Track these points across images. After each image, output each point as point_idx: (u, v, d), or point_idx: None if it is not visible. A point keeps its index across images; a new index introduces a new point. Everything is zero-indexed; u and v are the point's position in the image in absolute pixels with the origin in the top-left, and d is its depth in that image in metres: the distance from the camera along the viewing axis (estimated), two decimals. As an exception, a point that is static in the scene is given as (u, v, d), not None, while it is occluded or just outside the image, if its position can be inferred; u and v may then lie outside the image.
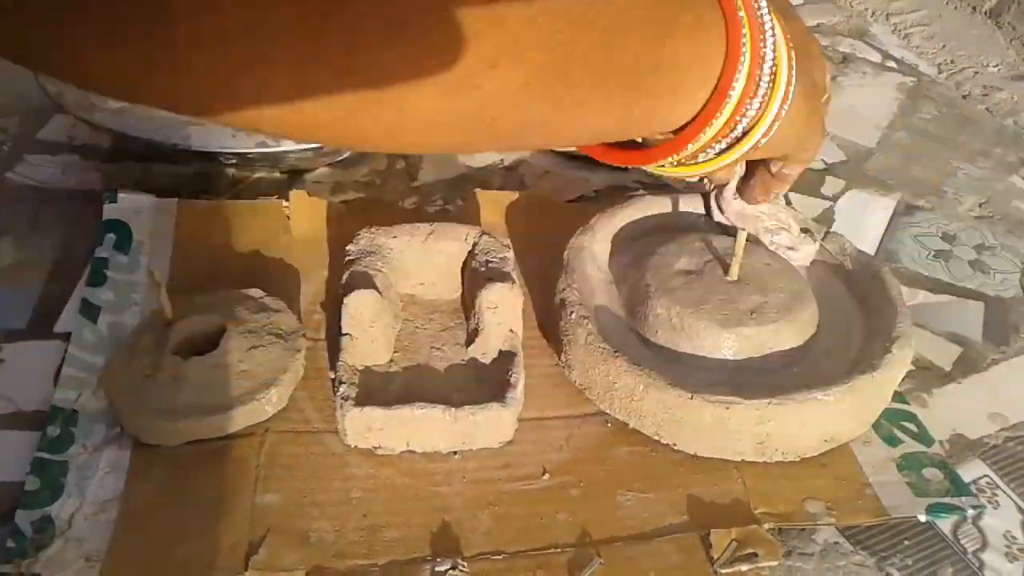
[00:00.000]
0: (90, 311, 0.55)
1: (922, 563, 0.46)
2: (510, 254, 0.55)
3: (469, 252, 0.56)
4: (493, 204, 0.66)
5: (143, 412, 0.48)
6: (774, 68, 0.37)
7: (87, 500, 0.45)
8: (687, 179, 0.48)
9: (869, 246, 0.65)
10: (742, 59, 0.35)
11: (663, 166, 0.40)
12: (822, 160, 0.74)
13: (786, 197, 0.68)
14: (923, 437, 0.51)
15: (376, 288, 0.51)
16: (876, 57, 0.90)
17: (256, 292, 0.55)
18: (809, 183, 0.72)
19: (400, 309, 0.56)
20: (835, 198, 0.71)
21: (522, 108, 0.30)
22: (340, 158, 0.69)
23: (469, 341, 0.54)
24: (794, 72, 0.38)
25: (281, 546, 0.44)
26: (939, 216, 0.69)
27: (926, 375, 0.56)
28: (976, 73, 0.90)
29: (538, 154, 0.73)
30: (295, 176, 0.68)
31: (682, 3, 0.34)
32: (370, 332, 0.52)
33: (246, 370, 0.50)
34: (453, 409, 0.48)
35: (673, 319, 0.52)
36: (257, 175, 0.68)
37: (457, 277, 0.58)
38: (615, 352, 0.50)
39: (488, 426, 0.49)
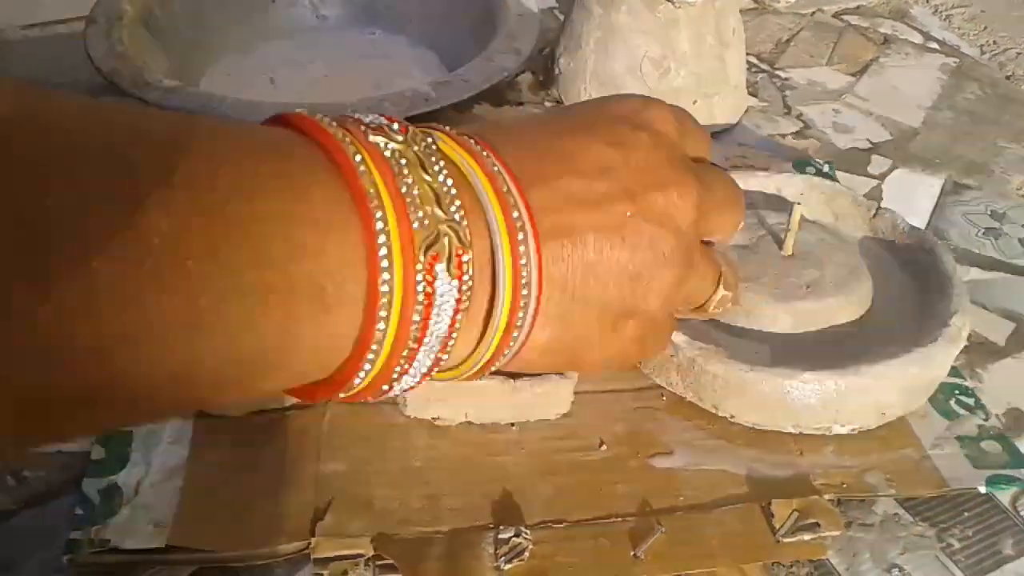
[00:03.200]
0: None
1: (982, 534, 0.46)
2: None
3: None
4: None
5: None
6: (464, 290, 0.27)
7: (153, 468, 0.46)
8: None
9: (918, 224, 0.64)
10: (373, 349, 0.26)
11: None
12: (867, 139, 0.74)
13: (833, 176, 0.68)
14: (980, 410, 0.51)
15: None
16: (917, 39, 0.89)
17: None
18: (855, 162, 0.71)
19: None
20: (882, 177, 0.70)
21: None
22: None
23: None
24: (519, 275, 0.28)
25: (346, 513, 0.44)
26: (987, 194, 0.69)
27: (980, 350, 0.56)
28: (1019, 54, 0.89)
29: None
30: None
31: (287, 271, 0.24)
32: None
33: None
34: (513, 381, 0.48)
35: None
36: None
37: None
38: (672, 325, 0.50)
39: (547, 398, 0.49)
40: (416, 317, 0.25)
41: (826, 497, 0.46)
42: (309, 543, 0.43)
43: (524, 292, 0.28)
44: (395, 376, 0.27)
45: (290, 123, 0.26)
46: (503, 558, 0.42)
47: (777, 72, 0.82)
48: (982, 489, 0.47)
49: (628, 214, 0.30)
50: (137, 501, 0.44)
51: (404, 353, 0.26)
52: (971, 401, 0.52)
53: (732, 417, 0.49)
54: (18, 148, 0.19)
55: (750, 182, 0.62)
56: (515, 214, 0.27)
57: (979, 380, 0.54)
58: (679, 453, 0.48)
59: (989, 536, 0.46)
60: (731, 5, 0.71)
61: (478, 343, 0.29)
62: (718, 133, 0.73)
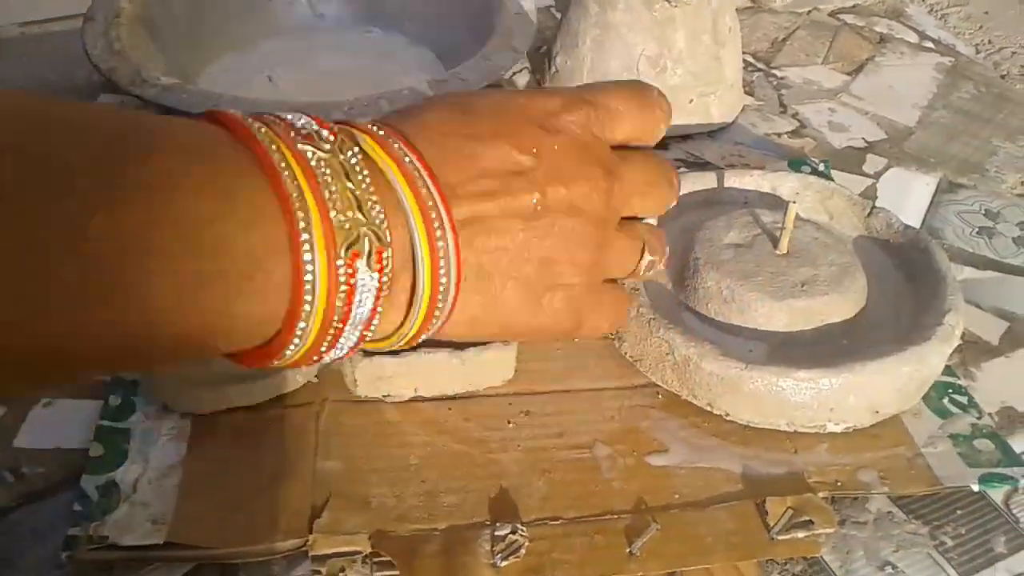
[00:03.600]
0: (146, 284, 0.55)
1: (975, 532, 0.46)
2: None
3: None
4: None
5: (175, 380, 0.48)
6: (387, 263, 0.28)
7: (150, 466, 0.46)
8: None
9: (913, 223, 0.65)
10: (306, 277, 0.27)
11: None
12: (862, 138, 0.74)
13: (828, 175, 0.68)
14: (973, 409, 0.52)
15: None
16: (913, 38, 0.89)
17: None
18: (850, 160, 0.72)
19: None
20: (877, 176, 0.71)
21: None
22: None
23: None
24: (435, 251, 0.30)
25: (343, 510, 0.44)
26: (981, 194, 0.69)
27: (974, 349, 0.56)
28: (1014, 53, 0.89)
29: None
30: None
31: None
32: None
33: None
34: (459, 351, 0.49)
35: (724, 291, 0.52)
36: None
37: None
38: (668, 324, 0.50)
39: (492, 365, 0.50)
40: (339, 303, 0.28)
41: (820, 495, 0.46)
42: (307, 540, 0.43)
43: (443, 280, 0.30)
44: (323, 349, 0.29)
45: (224, 123, 0.28)
46: (499, 555, 0.43)
47: (773, 71, 0.83)
48: (975, 487, 0.48)
49: (536, 205, 0.33)
50: (135, 498, 0.45)
51: (330, 332, 0.28)
52: (964, 400, 0.52)
53: (727, 415, 0.50)
54: None
55: (745, 180, 0.62)
56: (432, 212, 0.30)
57: (972, 379, 0.55)
58: (674, 450, 0.49)
59: (982, 534, 0.46)
60: (727, 4, 0.72)
61: (402, 322, 0.31)
62: (714, 131, 0.73)
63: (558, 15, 0.85)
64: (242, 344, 0.29)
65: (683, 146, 0.72)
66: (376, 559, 0.43)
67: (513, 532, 0.43)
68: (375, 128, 0.31)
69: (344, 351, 0.30)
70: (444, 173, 0.31)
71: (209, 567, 0.43)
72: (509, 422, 0.50)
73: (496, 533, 0.44)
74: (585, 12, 0.71)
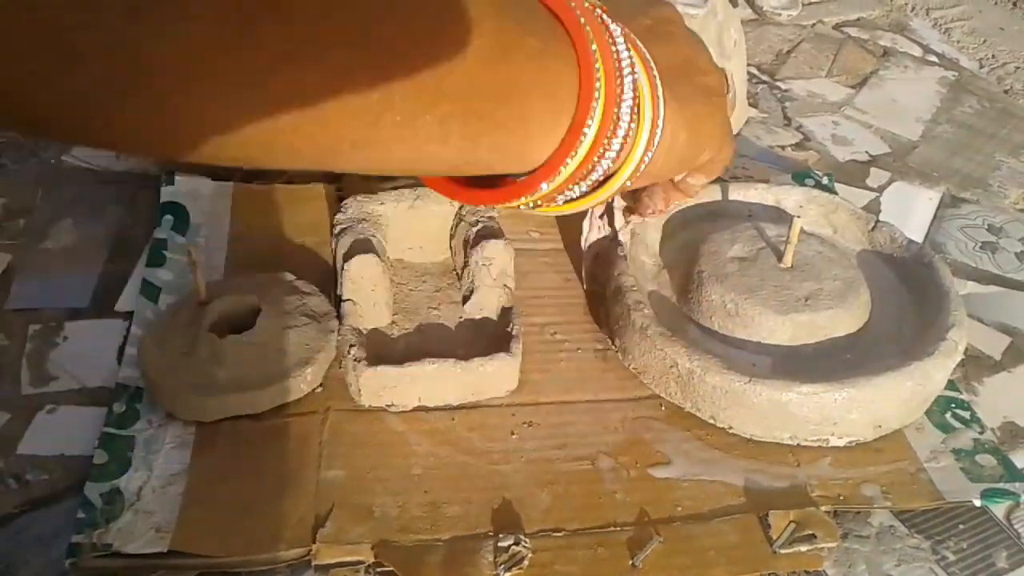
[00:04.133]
0: (151, 291, 0.56)
1: (976, 547, 0.46)
2: (496, 213, 0.57)
3: (456, 214, 0.58)
4: (541, 191, 0.66)
5: (180, 388, 0.48)
6: (636, 106, 0.35)
7: (154, 474, 0.46)
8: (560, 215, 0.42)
9: (916, 237, 0.65)
10: (596, 96, 0.33)
11: (520, 206, 0.36)
12: (866, 152, 0.75)
13: (832, 188, 0.68)
14: (975, 424, 0.52)
15: (376, 253, 0.53)
16: (917, 51, 0.90)
17: (287, 275, 0.56)
18: (854, 174, 0.72)
19: (392, 273, 0.57)
20: (880, 189, 0.71)
21: (324, 120, 0.27)
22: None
23: (465, 299, 0.56)
24: (661, 105, 0.36)
25: (347, 520, 0.45)
26: (984, 208, 0.70)
27: (976, 364, 0.56)
28: (1017, 68, 0.90)
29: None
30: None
31: (525, 27, 0.31)
32: (372, 296, 0.53)
33: (281, 349, 0.51)
34: (463, 362, 0.50)
35: (728, 305, 0.52)
36: (307, 161, 0.69)
37: (445, 240, 0.59)
38: (672, 337, 0.50)
39: (495, 376, 0.51)
40: (616, 80, 0.34)
41: (823, 508, 0.46)
42: (310, 550, 0.43)
43: (656, 120, 0.37)
44: (597, 158, 0.34)
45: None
46: (502, 566, 0.43)
47: (777, 83, 0.83)
48: (977, 502, 0.48)
49: (695, 72, 0.41)
50: (139, 506, 0.45)
51: (610, 124, 0.34)
52: (967, 414, 0.52)
53: (730, 428, 0.50)
54: None
55: (749, 194, 0.62)
56: (656, 77, 0.37)
57: (974, 393, 0.55)
58: (677, 463, 0.49)
59: (983, 549, 0.46)
60: (733, 16, 0.72)
61: (633, 143, 0.36)
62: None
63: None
64: (536, 148, 0.33)
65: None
66: (380, 569, 0.43)
67: (516, 543, 0.43)
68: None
69: (607, 165, 0.35)
70: (659, 66, 0.38)
71: (212, 575, 0.43)
72: (512, 433, 0.50)
73: (499, 544, 0.44)
74: (591, 23, 0.71)
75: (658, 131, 0.36)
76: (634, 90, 0.35)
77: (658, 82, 0.36)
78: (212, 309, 0.51)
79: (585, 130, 0.33)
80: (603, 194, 0.37)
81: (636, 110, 0.35)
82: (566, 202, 0.37)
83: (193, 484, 0.46)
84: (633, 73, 0.35)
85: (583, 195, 0.36)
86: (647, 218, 0.55)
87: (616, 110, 0.34)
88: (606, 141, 0.34)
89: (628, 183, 0.37)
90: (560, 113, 0.33)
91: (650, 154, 0.37)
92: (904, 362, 0.49)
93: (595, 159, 0.34)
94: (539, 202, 0.36)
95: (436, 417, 0.51)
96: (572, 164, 0.34)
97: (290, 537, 0.44)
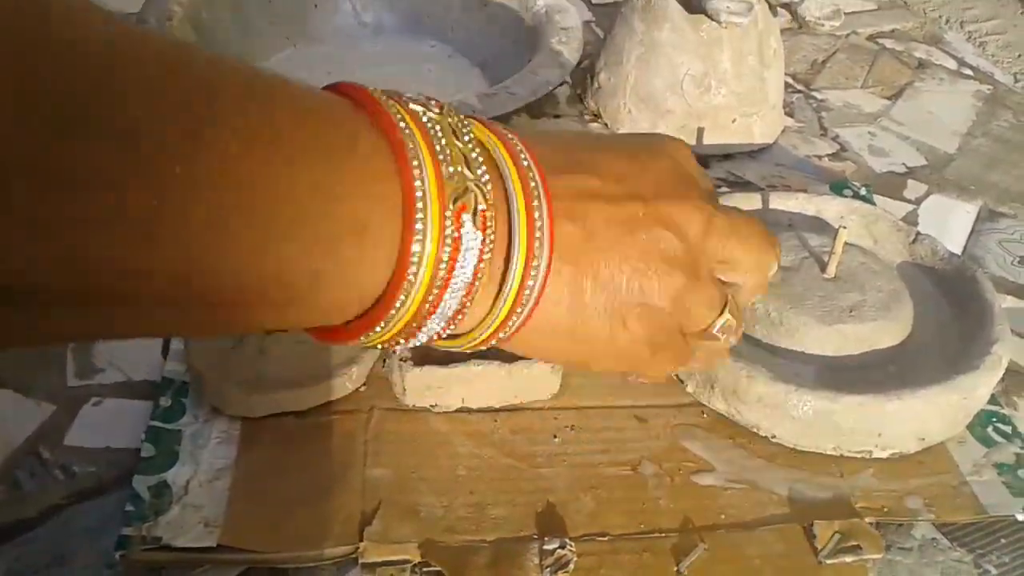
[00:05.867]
0: (195, 286, 0.56)
1: (1019, 560, 0.46)
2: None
3: None
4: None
5: (227, 383, 0.49)
6: (481, 259, 0.28)
7: (201, 468, 0.47)
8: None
9: (954, 250, 0.65)
10: (411, 260, 0.27)
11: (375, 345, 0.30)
12: (903, 163, 0.75)
13: (871, 199, 0.68)
14: (1017, 438, 0.52)
15: None
16: (952, 64, 0.90)
17: None
18: (891, 186, 0.72)
19: None
20: (918, 202, 0.71)
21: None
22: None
23: None
24: (532, 257, 0.30)
25: (393, 519, 0.45)
26: (1022, 223, 0.69)
27: (1016, 378, 0.56)
28: (1052, 83, 0.90)
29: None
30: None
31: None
32: None
33: (327, 347, 0.51)
34: (507, 365, 0.50)
35: (772, 314, 0.52)
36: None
37: None
38: (716, 344, 0.50)
39: (540, 380, 0.51)
40: (444, 258, 0.27)
41: (867, 520, 0.46)
42: (357, 547, 0.43)
43: (536, 255, 0.30)
44: (422, 317, 0.28)
45: (343, 91, 0.29)
46: (548, 569, 0.43)
47: (813, 93, 0.83)
48: (1020, 516, 0.48)
49: (640, 214, 0.33)
50: (187, 500, 0.45)
51: (432, 295, 0.28)
52: (1008, 429, 0.52)
53: (774, 437, 0.50)
54: (120, 72, 0.22)
55: (789, 203, 0.62)
56: (533, 188, 0.30)
57: (1015, 408, 0.55)
58: (720, 471, 0.49)
59: (1026, 564, 0.46)
60: (773, 25, 0.72)
61: (493, 303, 0.30)
62: (755, 152, 0.74)
63: (599, 31, 0.85)
64: (337, 306, 0.28)
65: (724, 165, 0.72)
66: (426, 569, 0.43)
67: (562, 547, 0.44)
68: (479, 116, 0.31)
69: (437, 326, 0.29)
70: (548, 163, 0.31)
71: (259, 571, 0.43)
72: (555, 436, 0.50)
73: (545, 547, 0.44)
74: (631, 30, 0.72)
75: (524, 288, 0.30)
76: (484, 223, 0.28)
77: (534, 228, 0.30)
78: (259, 306, 0.51)
79: (401, 298, 0.27)
80: (473, 339, 0.31)
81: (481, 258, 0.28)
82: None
83: (240, 479, 0.46)
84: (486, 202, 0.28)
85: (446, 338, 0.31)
86: None
87: (449, 247, 0.27)
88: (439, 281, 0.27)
89: (501, 341, 0.32)
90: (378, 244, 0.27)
91: (520, 312, 0.31)
92: (948, 375, 0.49)
93: (427, 304, 0.28)
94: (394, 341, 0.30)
95: (479, 419, 0.51)
96: (396, 319, 0.28)
97: (337, 534, 0.44)
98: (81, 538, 0.44)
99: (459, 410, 0.51)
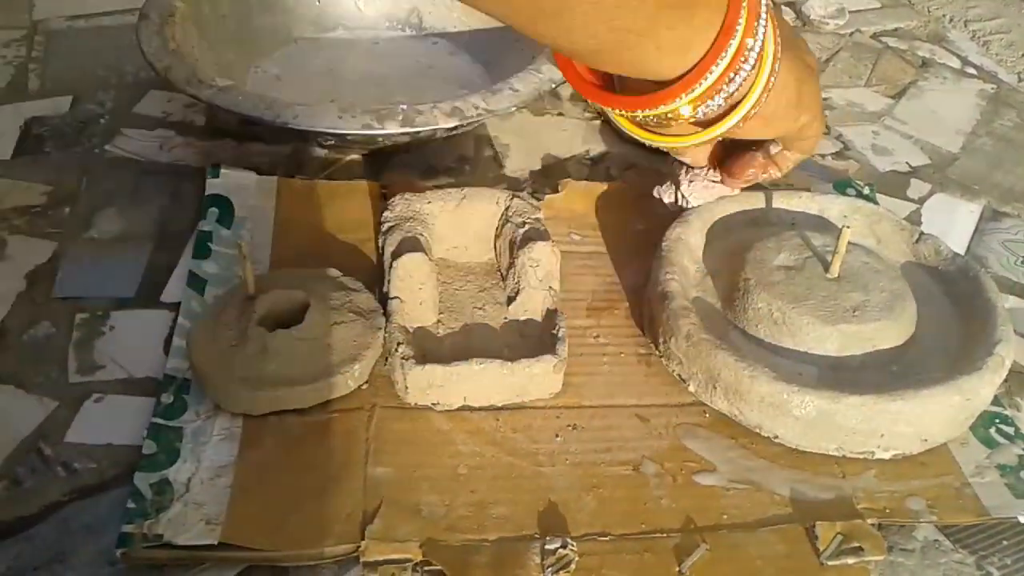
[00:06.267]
0: (197, 283, 0.56)
1: (1021, 563, 0.46)
2: (541, 215, 0.57)
3: (502, 215, 0.58)
4: (583, 195, 0.66)
5: (230, 381, 0.49)
6: (761, 49, 0.44)
7: (203, 465, 0.46)
8: (670, 149, 0.54)
9: (957, 250, 0.65)
10: (736, 32, 0.42)
11: (650, 122, 0.47)
12: (906, 162, 0.75)
13: (874, 198, 0.68)
14: (1020, 439, 0.52)
15: (424, 251, 0.53)
16: (955, 63, 0.89)
17: (333, 272, 0.56)
18: (894, 185, 0.72)
19: (437, 272, 0.57)
20: (921, 201, 0.71)
21: None
22: (429, 139, 0.70)
23: (510, 300, 0.56)
24: (778, 54, 0.45)
25: (395, 517, 0.45)
26: (1025, 223, 0.69)
27: (1019, 379, 0.56)
28: (1056, 83, 0.89)
29: (624, 147, 0.73)
30: (384, 159, 0.69)
31: None
32: (418, 294, 0.53)
33: (330, 344, 0.51)
34: (510, 363, 0.50)
35: (775, 313, 0.52)
36: (349, 157, 0.69)
37: (489, 240, 0.59)
38: (719, 344, 0.50)
39: (542, 378, 0.51)
40: (747, 45, 0.44)
41: (869, 521, 0.46)
42: (359, 546, 0.43)
43: (775, 65, 0.46)
44: (727, 81, 0.44)
45: None
46: (549, 569, 0.43)
47: (816, 91, 0.83)
48: (1022, 518, 0.48)
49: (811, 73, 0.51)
50: (188, 497, 0.45)
51: (742, 58, 0.43)
52: (1011, 430, 0.52)
53: (776, 437, 0.50)
54: None
55: (793, 202, 0.62)
56: (778, 30, 0.46)
57: (1017, 409, 0.55)
58: (722, 471, 0.49)
59: (1028, 566, 0.46)
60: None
61: (755, 79, 0.46)
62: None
63: (602, 28, 0.85)
64: (660, 55, 0.43)
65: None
66: (427, 567, 0.43)
67: (563, 546, 0.44)
68: None
69: (729, 91, 0.44)
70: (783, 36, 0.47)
71: (260, 569, 0.43)
72: (557, 435, 0.50)
73: (546, 547, 0.44)
74: (634, 27, 0.71)
75: (776, 73, 0.45)
76: (764, 29, 0.43)
77: (778, 35, 0.45)
78: (261, 303, 0.51)
79: (731, 40, 0.42)
80: (729, 121, 0.46)
81: (760, 52, 0.44)
82: (695, 123, 0.47)
83: (241, 477, 0.46)
84: (767, 23, 0.43)
85: (713, 119, 0.46)
86: (736, 187, 0.59)
87: (752, 35, 0.43)
88: (742, 57, 0.43)
89: (743, 122, 0.46)
90: (703, 43, 0.42)
91: (767, 95, 0.46)
92: (951, 376, 0.49)
93: (731, 73, 0.43)
94: (673, 115, 0.45)
95: (481, 417, 0.51)
96: (716, 72, 0.43)
97: (338, 533, 0.44)
98: (82, 535, 0.44)
99: (461, 408, 0.51)
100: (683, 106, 0.45)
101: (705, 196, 0.60)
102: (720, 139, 0.51)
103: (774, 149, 0.55)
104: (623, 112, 0.48)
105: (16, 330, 0.54)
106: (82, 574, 0.43)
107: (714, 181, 0.59)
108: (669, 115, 0.46)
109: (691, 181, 0.60)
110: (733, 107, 0.47)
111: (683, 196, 0.60)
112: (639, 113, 0.46)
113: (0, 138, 0.69)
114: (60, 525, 0.45)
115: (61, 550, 0.44)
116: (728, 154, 0.58)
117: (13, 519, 0.45)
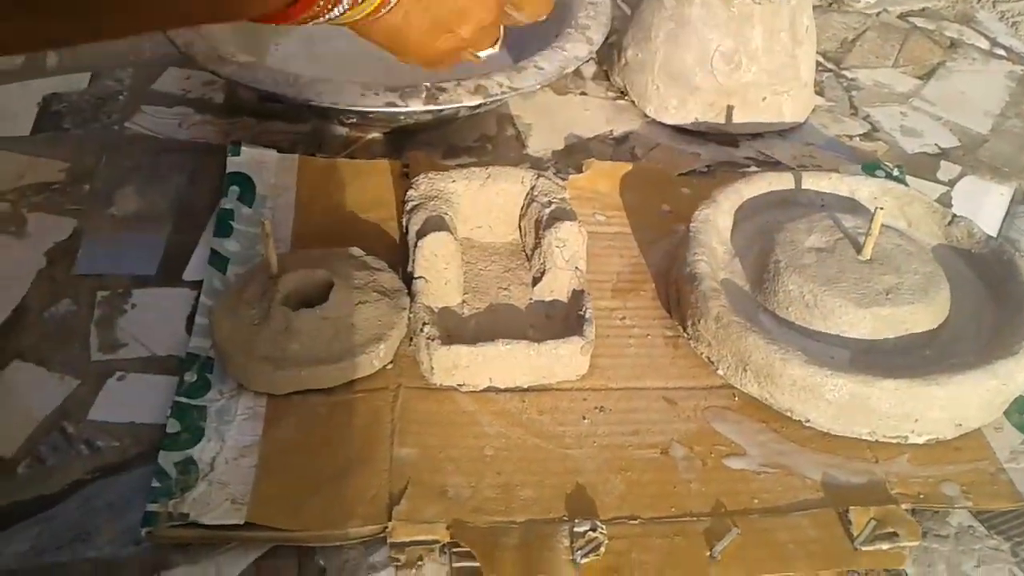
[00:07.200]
0: (219, 261, 0.55)
1: (1057, 550, 0.46)
2: (567, 194, 0.56)
3: (527, 194, 0.57)
4: (607, 174, 0.65)
5: (253, 359, 0.48)
6: None
7: (227, 445, 0.46)
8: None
9: (988, 233, 0.64)
10: None
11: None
12: (936, 144, 0.73)
13: (904, 180, 0.67)
14: (1055, 426, 0.51)
15: (450, 230, 0.52)
16: (984, 44, 0.88)
17: (356, 251, 0.55)
18: (925, 166, 0.71)
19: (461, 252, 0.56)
20: (951, 183, 0.69)
21: None
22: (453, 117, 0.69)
23: (535, 280, 0.55)
24: None
25: (421, 499, 0.44)
26: (1057, 206, 0.68)
27: (1054, 365, 0.55)
28: (1086, 64, 0.88)
29: (649, 126, 0.72)
30: (405, 138, 0.68)
31: None
32: (443, 274, 0.53)
33: (354, 324, 0.50)
34: (536, 344, 0.49)
35: (806, 296, 0.51)
36: (369, 136, 0.68)
37: (513, 220, 0.58)
38: (750, 326, 0.49)
39: (569, 360, 0.50)
40: None
41: (903, 506, 0.45)
42: (385, 527, 0.43)
43: None
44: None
45: None
46: (579, 551, 0.42)
47: (843, 72, 0.81)
48: (1058, 505, 0.47)
49: None
50: (213, 476, 0.44)
51: None
52: (1045, 416, 0.51)
53: (807, 421, 0.49)
54: None
55: (822, 183, 0.61)
56: None
57: (1051, 394, 0.53)
58: (752, 455, 0.48)
59: (1064, 553, 0.45)
60: (806, 2, 0.70)
61: None
62: (785, 131, 0.72)
63: (625, 7, 0.84)
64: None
65: (754, 144, 0.71)
66: (455, 549, 0.43)
67: (593, 529, 0.43)
68: None
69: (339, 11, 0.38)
70: None
71: (285, 549, 0.43)
72: (584, 417, 0.49)
73: (575, 529, 0.43)
74: (660, 6, 0.70)
75: None
76: None
77: None
78: (284, 282, 0.51)
79: None
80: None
81: None
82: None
83: (266, 457, 0.45)
84: None
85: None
86: None
87: None
88: None
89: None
90: None
91: None
92: (987, 361, 0.48)
93: None
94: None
95: (506, 398, 0.50)
96: None
97: (364, 513, 0.43)
98: (105, 514, 0.44)
99: (486, 389, 0.50)
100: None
101: None
102: None
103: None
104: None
105: (37, 308, 0.53)
106: (105, 553, 0.42)
107: None
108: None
109: None
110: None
111: None
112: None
113: (18, 114, 0.68)
114: (83, 504, 0.44)
115: (84, 529, 0.43)
116: None
117: (36, 498, 0.44)
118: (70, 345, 0.51)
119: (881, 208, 0.52)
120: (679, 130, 0.71)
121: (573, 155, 0.69)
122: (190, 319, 0.52)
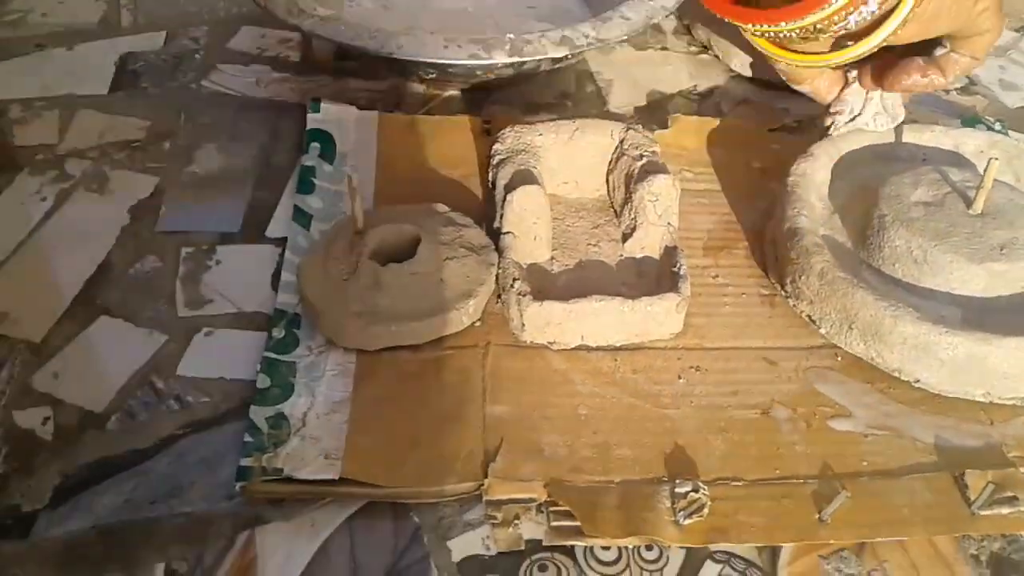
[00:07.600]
0: (302, 218, 0.54)
1: None
2: (658, 147, 0.54)
3: (616, 147, 0.55)
4: (694, 130, 0.63)
5: (343, 315, 0.47)
6: None
7: (317, 400, 0.45)
8: (814, 65, 0.48)
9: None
10: None
11: (794, 37, 0.42)
12: (1038, 99, 0.70)
13: (1006, 134, 0.64)
14: None
15: (539, 184, 0.50)
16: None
17: (441, 207, 0.54)
18: (1027, 121, 0.67)
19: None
20: (1056, 139, 0.66)
21: None
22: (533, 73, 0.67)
23: (626, 236, 0.53)
24: None
25: (517, 457, 0.43)
26: None
27: None
28: None
29: (734, 81, 0.70)
30: (483, 96, 0.67)
31: None
32: (533, 229, 0.51)
33: (443, 280, 0.49)
34: (630, 301, 0.47)
35: (914, 251, 0.49)
36: (447, 93, 0.67)
37: (601, 175, 0.56)
38: (856, 283, 0.47)
39: (663, 317, 0.48)
40: None
41: (1022, 470, 0.43)
42: (481, 484, 0.42)
43: None
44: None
45: None
46: (682, 512, 0.41)
47: (936, 24, 0.78)
48: None
49: None
50: (305, 431, 0.44)
51: None
52: None
53: (917, 382, 0.47)
54: None
55: (924, 136, 0.58)
56: None
57: None
58: (859, 416, 0.46)
59: None
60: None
61: None
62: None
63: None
64: None
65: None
66: (552, 508, 0.42)
67: (695, 490, 0.41)
68: None
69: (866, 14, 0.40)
70: None
71: (380, 505, 0.42)
72: (680, 377, 0.48)
73: (676, 490, 0.42)
74: (747, -46, 0.68)
75: None
76: None
77: None
78: (371, 237, 0.50)
79: None
80: (881, 33, 0.41)
81: None
82: (845, 35, 0.42)
83: (357, 413, 0.45)
84: None
85: (866, 29, 0.41)
86: (894, 91, 0.53)
87: None
88: None
89: (900, 28, 0.41)
90: None
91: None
92: (1110, 320, 0.46)
93: None
94: (822, 26, 0.41)
95: (598, 357, 0.49)
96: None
97: (460, 470, 0.42)
98: (198, 469, 0.43)
99: (578, 347, 0.49)
100: (834, 13, 0.40)
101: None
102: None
103: (939, 51, 0.48)
104: (763, 28, 0.43)
105: (122, 264, 0.53)
106: (199, 507, 0.42)
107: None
108: (817, 25, 0.41)
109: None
110: (889, 12, 0.42)
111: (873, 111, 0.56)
112: (783, 26, 0.42)
113: (96, 73, 0.68)
114: (175, 459, 0.44)
115: (177, 483, 0.43)
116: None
117: (128, 452, 0.44)
118: (156, 301, 0.51)
119: (995, 159, 0.49)
120: (767, 85, 0.69)
121: (656, 111, 0.67)
122: (275, 276, 0.52)
